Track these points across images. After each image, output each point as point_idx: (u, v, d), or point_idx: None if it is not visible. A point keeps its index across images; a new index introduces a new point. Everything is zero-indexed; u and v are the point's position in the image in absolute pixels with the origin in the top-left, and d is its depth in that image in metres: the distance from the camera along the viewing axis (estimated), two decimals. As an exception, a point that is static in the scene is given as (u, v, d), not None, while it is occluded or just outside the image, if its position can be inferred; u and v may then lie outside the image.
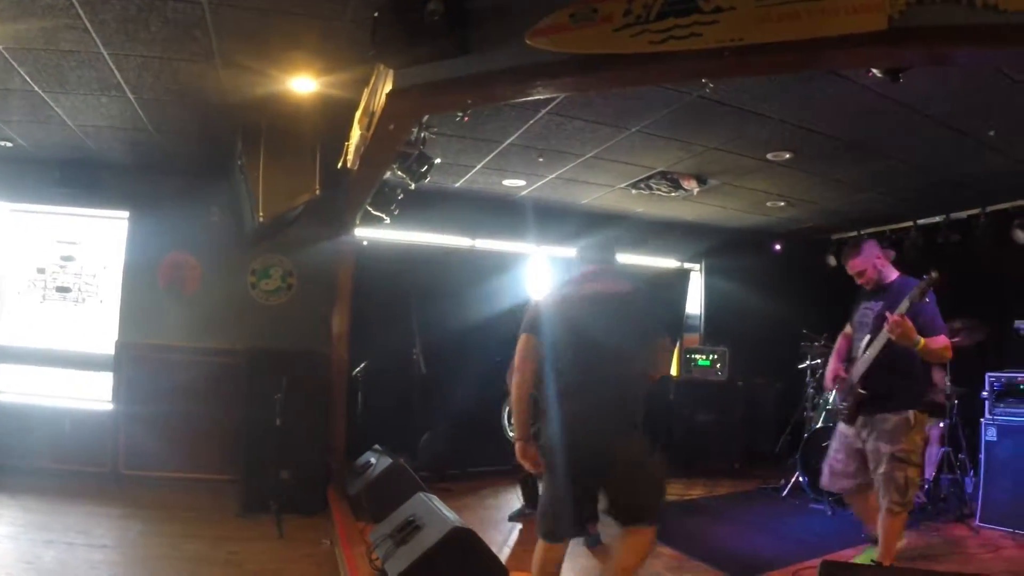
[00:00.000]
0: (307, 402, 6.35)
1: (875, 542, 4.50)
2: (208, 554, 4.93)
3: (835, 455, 4.65)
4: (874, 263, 4.59)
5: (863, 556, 4.63)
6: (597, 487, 3.59)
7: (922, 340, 4.09)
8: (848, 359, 4.68)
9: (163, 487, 6.65)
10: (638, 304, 3.72)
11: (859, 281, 4.66)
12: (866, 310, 4.61)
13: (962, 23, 3.05)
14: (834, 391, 4.86)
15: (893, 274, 4.62)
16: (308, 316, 7.52)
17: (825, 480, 4.75)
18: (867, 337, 4.44)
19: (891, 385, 4.30)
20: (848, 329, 4.82)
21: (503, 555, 5.01)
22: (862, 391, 4.38)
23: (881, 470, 4.25)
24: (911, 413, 4.28)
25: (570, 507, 3.52)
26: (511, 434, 6.14)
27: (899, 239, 7.93)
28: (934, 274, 4.12)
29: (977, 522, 5.92)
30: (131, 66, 4.72)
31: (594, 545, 5.50)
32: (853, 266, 4.63)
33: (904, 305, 4.10)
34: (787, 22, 3.27)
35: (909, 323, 4.05)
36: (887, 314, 4.14)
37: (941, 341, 4.22)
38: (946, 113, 5.13)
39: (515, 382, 3.61)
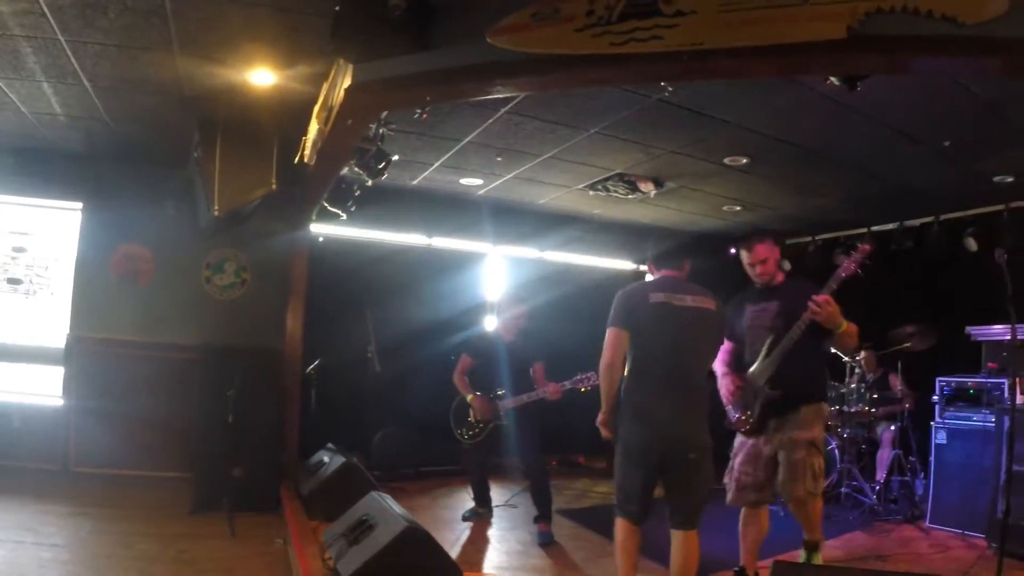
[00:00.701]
0: (260, 399, 6.27)
1: None
2: (159, 553, 4.83)
3: (741, 467, 4.34)
4: (775, 256, 4.36)
5: None
6: (659, 479, 3.87)
7: (844, 323, 3.98)
8: (740, 368, 4.43)
9: (114, 484, 6.51)
10: (717, 321, 4.01)
11: (758, 271, 4.35)
12: (760, 312, 4.35)
13: (920, 34, 3.09)
14: (731, 405, 4.40)
15: (781, 275, 4.44)
16: (262, 312, 7.45)
17: (731, 496, 4.40)
18: (768, 339, 4.22)
19: (802, 379, 4.13)
20: (727, 344, 4.49)
21: (456, 554, 5.00)
22: (772, 391, 4.14)
23: (797, 456, 4.09)
24: (823, 404, 4.23)
25: (639, 492, 3.83)
26: (460, 437, 6.21)
27: (853, 245, 8.04)
28: (865, 246, 4.03)
29: (927, 523, 6.04)
30: (88, 53, 4.63)
31: (547, 543, 5.55)
32: (759, 252, 4.32)
33: (834, 282, 4.00)
34: (747, 28, 3.29)
35: (835, 305, 3.92)
36: (813, 296, 3.95)
37: (854, 327, 4.09)
38: (902, 122, 5.23)
39: (605, 370, 3.90)
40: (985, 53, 3.20)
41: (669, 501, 3.87)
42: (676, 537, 3.83)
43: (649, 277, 4.27)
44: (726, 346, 4.48)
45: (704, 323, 3.93)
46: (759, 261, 4.33)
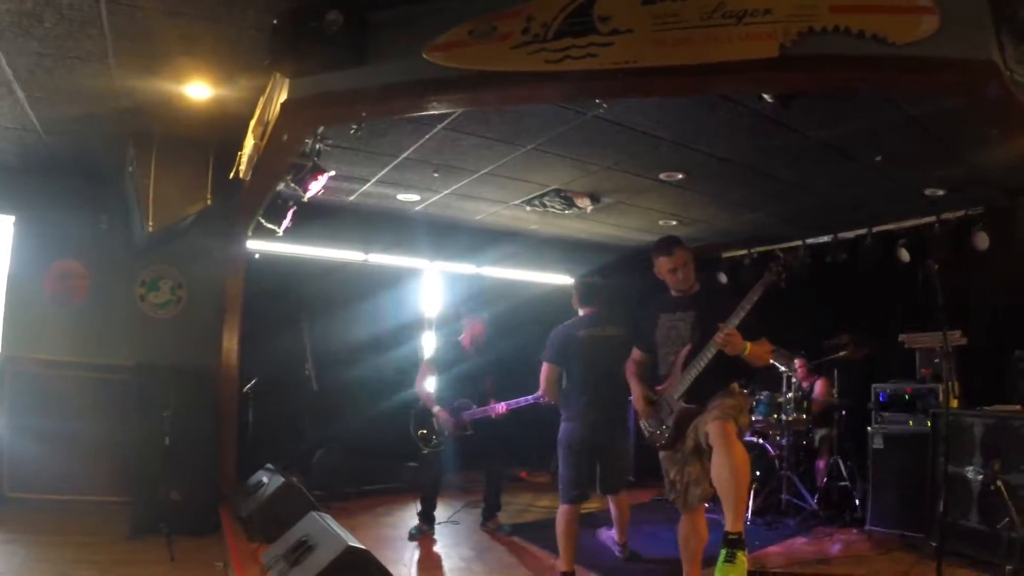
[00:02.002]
0: (197, 420, 6.20)
1: None
2: (98, 580, 4.72)
3: (673, 477, 4.18)
4: (693, 260, 4.26)
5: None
6: (595, 467, 5.10)
7: (748, 346, 3.84)
8: (655, 378, 4.30)
9: (50, 510, 6.30)
10: (623, 342, 4.76)
11: (680, 276, 4.21)
12: (676, 322, 4.19)
13: (851, 53, 3.19)
14: (645, 420, 4.29)
15: (697, 284, 4.31)
16: (198, 330, 7.34)
17: (680, 503, 4.18)
18: (684, 350, 4.05)
19: (717, 391, 3.99)
20: (636, 354, 4.47)
21: (397, 573, 4.95)
22: (687, 405, 4.00)
23: (708, 416, 3.89)
24: (732, 385, 4.06)
25: (581, 478, 4.98)
26: (424, 445, 6.40)
27: (778, 257, 8.17)
28: (784, 256, 4.00)
29: (868, 526, 6.14)
30: (23, 63, 4.53)
31: (508, 533, 6.11)
32: (679, 257, 4.20)
33: (754, 294, 3.89)
34: (681, 47, 3.36)
35: (738, 336, 3.80)
36: (719, 325, 3.84)
37: (765, 344, 4.00)
38: (835, 138, 5.36)
39: (544, 395, 5.29)
40: (915, 72, 3.32)
41: (602, 481, 5.21)
42: (612, 501, 5.40)
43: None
44: (636, 357, 4.47)
45: (612, 346, 4.92)
46: (681, 265, 4.22)
